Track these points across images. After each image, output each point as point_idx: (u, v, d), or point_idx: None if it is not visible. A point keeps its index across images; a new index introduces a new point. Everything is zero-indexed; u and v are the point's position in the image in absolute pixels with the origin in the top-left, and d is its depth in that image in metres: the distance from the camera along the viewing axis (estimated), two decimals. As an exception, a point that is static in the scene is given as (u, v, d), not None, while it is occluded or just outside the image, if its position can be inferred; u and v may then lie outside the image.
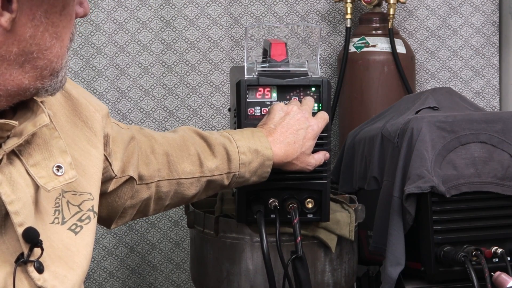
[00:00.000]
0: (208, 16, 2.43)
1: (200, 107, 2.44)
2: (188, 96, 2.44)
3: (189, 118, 2.44)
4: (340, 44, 2.48)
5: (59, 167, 1.11)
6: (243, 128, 1.61)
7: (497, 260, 1.74)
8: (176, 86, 2.43)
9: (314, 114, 1.61)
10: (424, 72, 2.51)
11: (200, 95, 2.44)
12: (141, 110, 2.43)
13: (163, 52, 2.42)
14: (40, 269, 1.07)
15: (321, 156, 1.62)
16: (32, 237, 1.06)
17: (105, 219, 1.46)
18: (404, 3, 2.38)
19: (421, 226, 1.73)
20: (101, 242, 2.41)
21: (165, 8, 2.42)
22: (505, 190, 1.76)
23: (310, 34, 2.46)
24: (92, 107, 1.28)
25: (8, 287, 1.05)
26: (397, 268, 1.73)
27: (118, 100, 2.42)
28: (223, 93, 2.45)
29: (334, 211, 1.73)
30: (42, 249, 1.07)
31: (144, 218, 2.40)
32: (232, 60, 2.45)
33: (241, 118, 1.63)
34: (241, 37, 2.44)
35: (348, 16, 2.37)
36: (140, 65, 2.42)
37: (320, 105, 1.64)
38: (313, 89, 1.65)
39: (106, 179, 1.37)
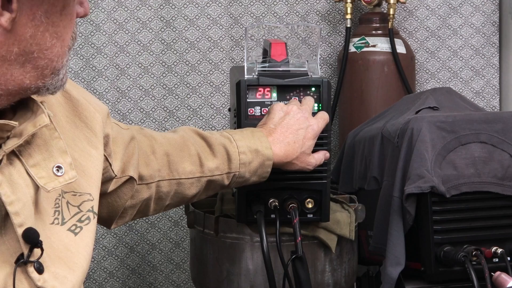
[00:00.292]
0: (208, 16, 2.43)
1: (200, 107, 2.44)
2: (188, 96, 2.44)
3: (189, 118, 2.44)
4: (340, 44, 2.48)
5: (59, 167, 1.10)
6: (243, 128, 1.61)
7: (497, 260, 1.74)
8: (176, 86, 2.43)
9: (314, 114, 1.61)
10: (424, 72, 2.51)
11: (200, 95, 2.44)
12: (141, 110, 2.43)
13: (163, 52, 2.42)
14: (40, 270, 1.07)
15: (321, 156, 1.61)
16: (32, 238, 1.06)
17: (105, 219, 1.46)
18: (404, 3, 2.38)
19: (421, 226, 1.73)
20: (101, 242, 2.41)
21: (165, 8, 2.42)
22: (505, 190, 1.76)
23: (310, 34, 2.45)
24: (92, 107, 1.28)
25: (8, 288, 1.05)
26: (397, 268, 1.73)
27: (118, 100, 2.42)
28: (223, 93, 2.45)
29: (334, 211, 1.73)
30: (42, 250, 1.07)
31: (144, 218, 2.40)
32: (232, 60, 2.45)
33: (241, 118, 1.63)
34: (241, 37, 2.44)
35: (348, 16, 2.37)
36: (140, 65, 2.42)
37: (320, 105, 1.64)
38: (313, 89, 1.65)
39: (106, 179, 1.37)
